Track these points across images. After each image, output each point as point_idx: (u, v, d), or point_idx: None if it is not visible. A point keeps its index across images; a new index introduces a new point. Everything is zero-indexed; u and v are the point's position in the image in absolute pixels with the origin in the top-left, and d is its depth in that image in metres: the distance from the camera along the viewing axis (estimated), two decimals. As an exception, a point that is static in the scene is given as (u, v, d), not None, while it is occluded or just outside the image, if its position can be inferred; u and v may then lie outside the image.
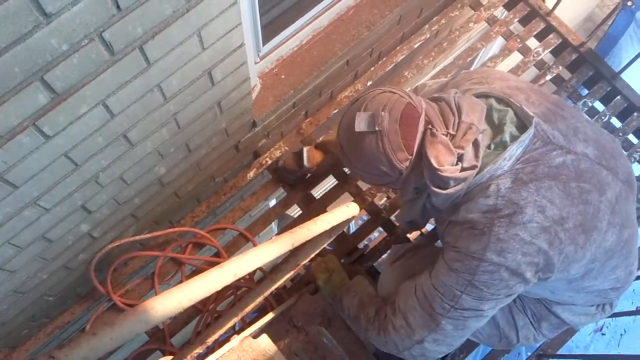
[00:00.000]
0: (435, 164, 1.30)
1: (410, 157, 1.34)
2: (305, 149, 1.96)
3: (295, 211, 3.80)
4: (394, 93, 1.37)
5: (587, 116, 1.57)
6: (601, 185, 1.36)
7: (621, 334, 2.85)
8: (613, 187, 1.39)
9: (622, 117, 2.37)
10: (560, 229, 1.30)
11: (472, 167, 1.32)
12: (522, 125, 1.36)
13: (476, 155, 1.33)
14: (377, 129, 1.32)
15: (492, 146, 1.36)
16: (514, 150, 1.31)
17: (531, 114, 1.34)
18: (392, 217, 2.18)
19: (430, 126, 1.33)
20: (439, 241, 2.04)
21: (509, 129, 1.36)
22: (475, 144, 1.33)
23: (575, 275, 1.42)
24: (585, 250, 1.36)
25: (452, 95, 1.40)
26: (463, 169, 1.33)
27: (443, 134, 1.32)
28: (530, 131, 1.32)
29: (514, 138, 1.34)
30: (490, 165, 1.32)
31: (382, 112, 1.33)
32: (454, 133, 1.33)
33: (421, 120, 1.33)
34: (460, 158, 1.33)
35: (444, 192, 1.33)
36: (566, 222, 1.31)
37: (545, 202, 1.29)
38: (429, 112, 1.35)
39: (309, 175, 2.16)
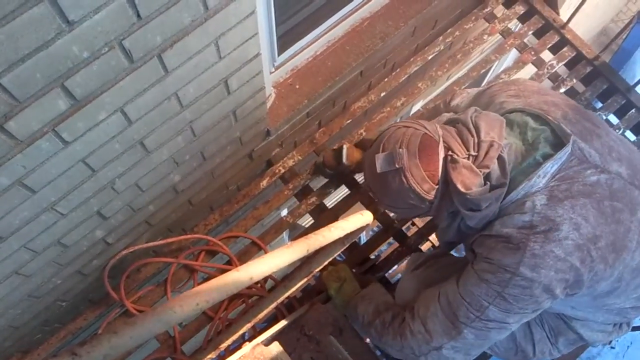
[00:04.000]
0: (462, 189, 1.30)
1: (437, 185, 1.34)
2: (345, 147, 1.96)
3: (307, 221, 3.80)
4: (409, 127, 1.38)
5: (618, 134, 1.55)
6: (633, 205, 1.36)
7: (627, 346, 2.83)
8: None
9: (636, 130, 2.36)
10: (593, 247, 1.29)
11: (502, 185, 1.32)
12: (558, 142, 1.34)
13: (503, 172, 1.33)
14: (397, 166, 1.33)
15: (524, 164, 1.35)
16: (549, 167, 1.30)
17: (569, 131, 1.33)
18: (404, 228, 2.18)
19: (450, 152, 1.33)
20: (453, 251, 2.03)
21: (543, 148, 1.34)
22: (501, 161, 1.33)
23: (601, 292, 1.41)
24: (614, 269, 1.35)
25: (469, 115, 1.40)
26: (492, 187, 1.32)
27: (464, 158, 1.32)
28: (567, 149, 1.31)
29: (547, 157, 1.32)
30: (525, 182, 1.31)
31: (399, 149, 1.34)
32: (476, 154, 1.33)
33: (440, 148, 1.34)
34: (487, 177, 1.33)
35: (478, 214, 1.33)
36: (599, 240, 1.30)
37: (580, 220, 1.28)
38: (446, 138, 1.36)
39: (347, 172, 2.11)
